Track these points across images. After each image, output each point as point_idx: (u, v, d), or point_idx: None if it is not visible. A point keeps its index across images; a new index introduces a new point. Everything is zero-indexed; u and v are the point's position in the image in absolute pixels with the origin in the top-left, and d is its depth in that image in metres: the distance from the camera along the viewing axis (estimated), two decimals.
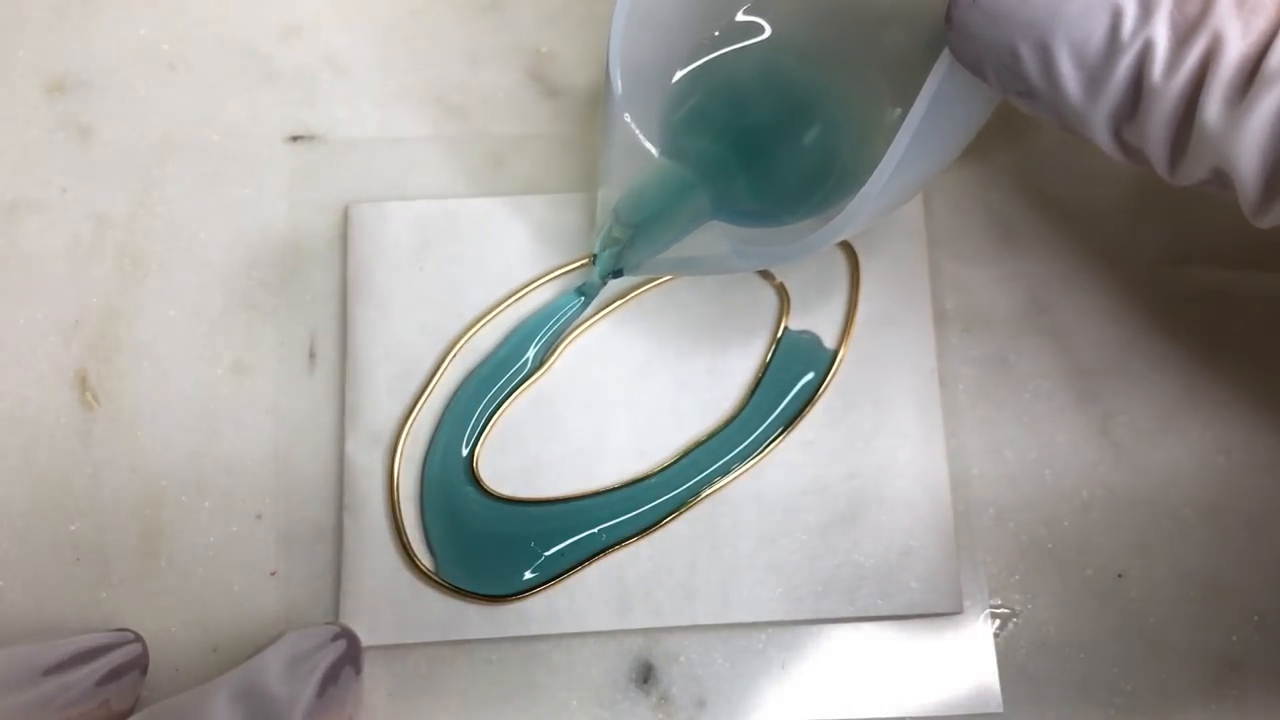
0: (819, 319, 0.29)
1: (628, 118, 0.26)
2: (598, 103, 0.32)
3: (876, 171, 0.22)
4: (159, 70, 0.32)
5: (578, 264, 0.30)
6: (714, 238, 0.27)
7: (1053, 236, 0.30)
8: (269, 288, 0.30)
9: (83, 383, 0.30)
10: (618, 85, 0.25)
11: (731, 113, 0.27)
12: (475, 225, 0.30)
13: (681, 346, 0.29)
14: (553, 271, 0.30)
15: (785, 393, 0.29)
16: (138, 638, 0.27)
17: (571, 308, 0.29)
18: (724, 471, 0.28)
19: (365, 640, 0.27)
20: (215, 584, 0.28)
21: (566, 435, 0.29)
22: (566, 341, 0.29)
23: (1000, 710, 0.27)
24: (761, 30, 0.27)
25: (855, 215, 0.22)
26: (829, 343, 0.29)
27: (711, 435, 0.29)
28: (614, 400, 0.29)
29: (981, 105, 0.23)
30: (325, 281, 0.30)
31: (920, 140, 0.21)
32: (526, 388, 0.29)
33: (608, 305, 0.29)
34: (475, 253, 0.30)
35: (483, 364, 0.29)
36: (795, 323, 0.29)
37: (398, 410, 0.29)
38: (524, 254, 0.30)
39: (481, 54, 0.32)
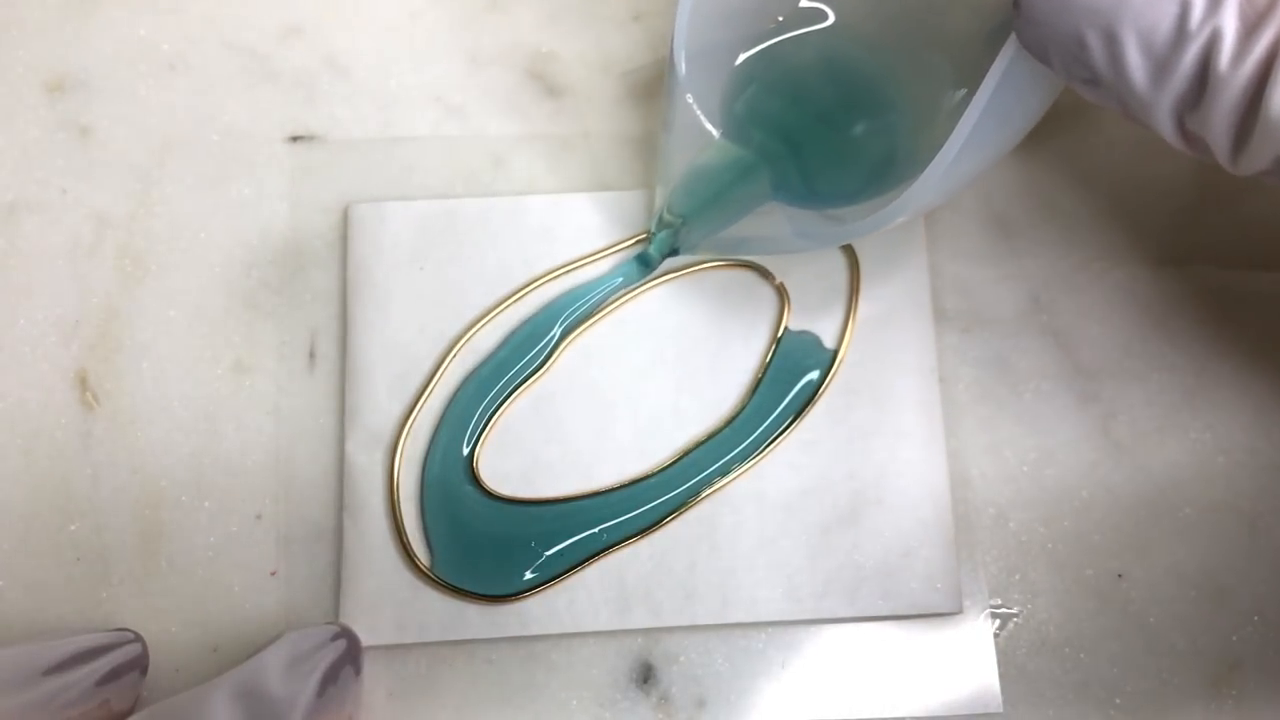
0: (819, 319, 0.29)
1: (690, 99, 0.26)
2: (598, 102, 0.32)
3: (940, 155, 0.22)
4: (159, 70, 0.32)
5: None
6: (773, 218, 0.27)
7: (1053, 236, 0.31)
8: (269, 288, 0.30)
9: (83, 383, 0.30)
10: (681, 67, 0.25)
11: (792, 96, 0.28)
12: (475, 225, 0.30)
13: (681, 346, 0.29)
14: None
15: (785, 393, 0.29)
16: (138, 638, 0.27)
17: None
18: (724, 471, 0.28)
19: (365, 640, 0.27)
20: (215, 584, 0.28)
21: (566, 435, 0.29)
22: (567, 341, 0.29)
23: (1000, 710, 0.27)
24: (825, 16, 0.28)
25: (916, 198, 0.23)
26: (829, 343, 0.29)
27: (711, 435, 0.29)
28: (614, 400, 0.29)
29: (1045, 92, 0.23)
30: (325, 281, 0.30)
31: (983, 125, 0.21)
32: (527, 388, 0.29)
33: (608, 305, 0.29)
34: (475, 253, 0.30)
35: (483, 364, 0.29)
36: (795, 323, 0.29)
37: (398, 410, 0.29)
38: (524, 254, 0.30)
39: (481, 54, 0.32)
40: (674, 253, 0.28)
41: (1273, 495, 0.29)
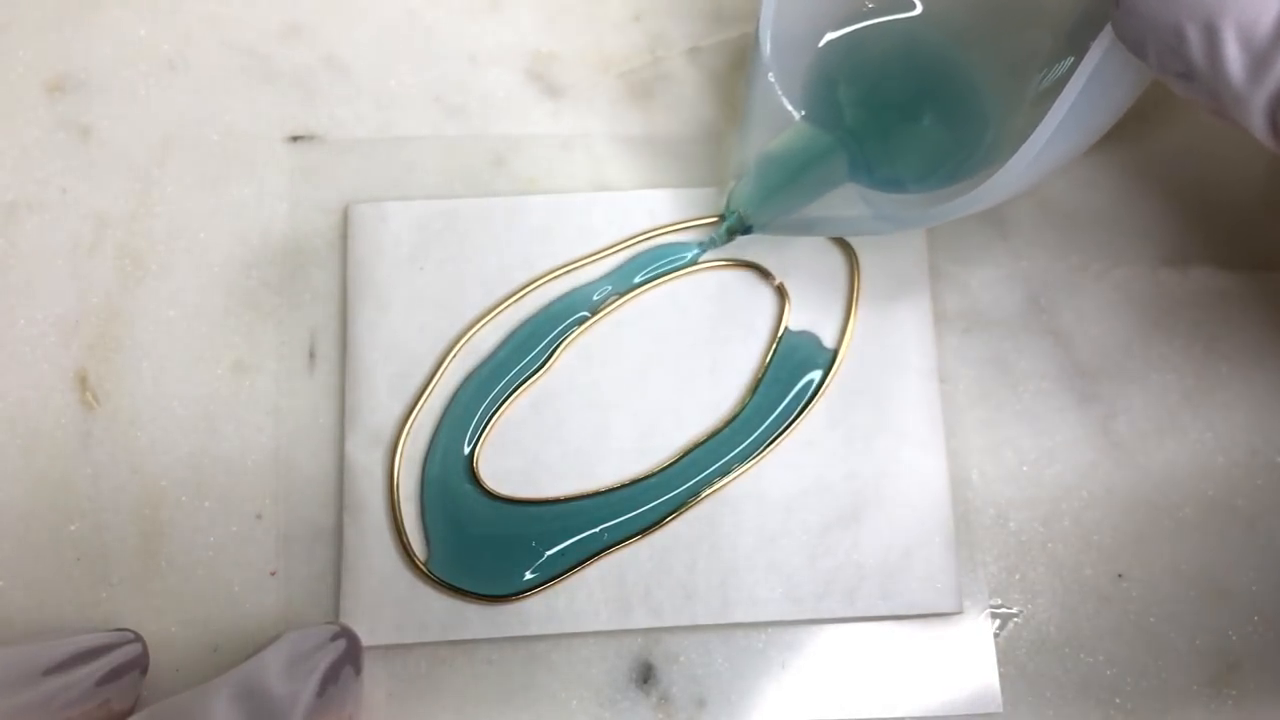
0: (819, 319, 0.29)
1: (771, 77, 0.26)
2: (598, 102, 0.32)
3: (1026, 145, 0.22)
4: (159, 70, 0.32)
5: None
6: (850, 200, 0.27)
7: (1053, 236, 0.31)
8: (269, 288, 0.30)
9: (83, 383, 0.30)
10: (766, 46, 0.26)
11: (874, 81, 0.28)
12: (475, 225, 0.30)
13: (681, 346, 0.29)
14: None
15: (785, 393, 0.29)
16: (138, 638, 0.27)
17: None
18: (724, 472, 0.28)
19: (365, 640, 0.27)
20: (215, 584, 0.28)
21: (566, 435, 0.29)
22: (567, 341, 0.29)
23: (1000, 710, 0.27)
24: (913, 6, 0.28)
25: (997, 188, 0.23)
26: (829, 343, 0.29)
27: (712, 435, 0.29)
28: (614, 400, 0.29)
29: (1131, 86, 0.23)
30: (325, 281, 0.30)
31: (1070, 118, 0.21)
32: (527, 388, 0.29)
33: (607, 305, 0.29)
34: (475, 253, 0.30)
35: (484, 363, 0.29)
36: (795, 323, 0.29)
37: (398, 410, 0.29)
38: (524, 254, 0.30)
39: (481, 54, 0.32)
40: (746, 231, 0.28)
41: (1272, 495, 0.29)
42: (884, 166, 0.27)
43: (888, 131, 0.27)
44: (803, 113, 0.27)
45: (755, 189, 0.28)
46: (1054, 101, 0.21)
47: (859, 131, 0.27)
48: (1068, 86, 0.21)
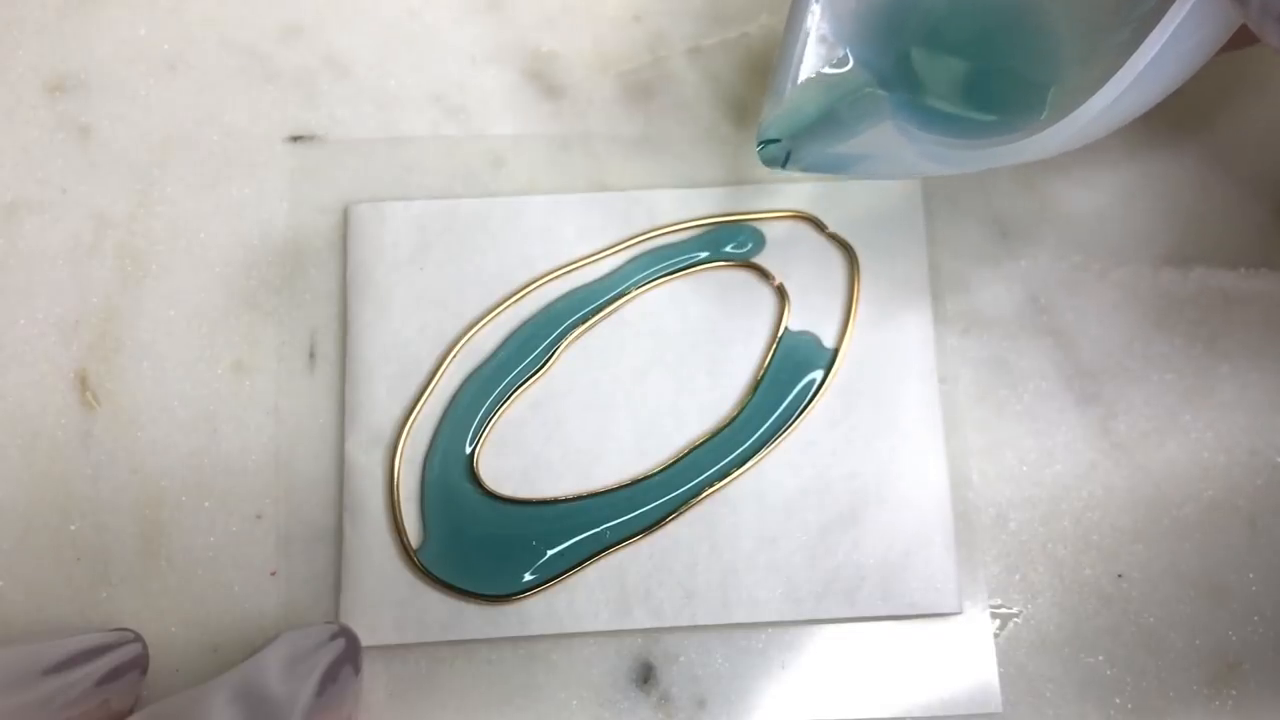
0: (819, 319, 0.29)
1: (816, 7, 0.25)
2: (598, 102, 0.32)
3: (1101, 92, 0.21)
4: (159, 70, 0.32)
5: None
6: (893, 139, 0.26)
7: (1053, 236, 0.31)
8: (269, 288, 0.30)
9: (83, 383, 0.30)
10: None
11: (931, 17, 0.27)
12: (475, 225, 0.30)
13: (681, 347, 0.29)
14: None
15: (785, 393, 0.29)
16: (138, 638, 0.27)
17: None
18: (724, 472, 0.28)
19: (365, 640, 0.27)
20: (215, 584, 0.28)
21: (567, 435, 0.29)
22: (568, 342, 0.29)
23: (1000, 710, 0.27)
24: None
25: (1069, 131, 0.22)
26: (829, 343, 0.29)
27: (712, 436, 0.29)
28: (614, 400, 0.29)
29: (1214, 34, 0.21)
30: (325, 281, 0.30)
31: (1149, 67, 0.20)
32: (527, 388, 0.29)
33: (608, 305, 0.29)
34: (475, 253, 0.30)
35: (484, 363, 0.29)
36: (795, 323, 0.29)
37: (398, 410, 0.29)
38: (524, 254, 0.30)
39: (481, 54, 0.32)
40: (785, 160, 0.27)
41: (1272, 495, 0.29)
42: (932, 109, 0.26)
43: (940, 71, 0.26)
44: (846, 46, 0.25)
45: (791, 120, 0.26)
46: (1129, 53, 0.20)
47: (907, 70, 0.26)
48: (1159, 26, 0.20)
